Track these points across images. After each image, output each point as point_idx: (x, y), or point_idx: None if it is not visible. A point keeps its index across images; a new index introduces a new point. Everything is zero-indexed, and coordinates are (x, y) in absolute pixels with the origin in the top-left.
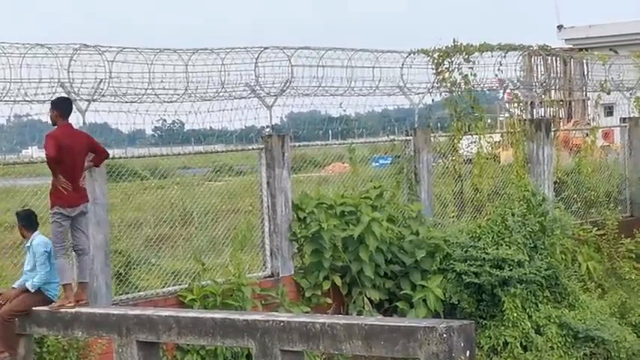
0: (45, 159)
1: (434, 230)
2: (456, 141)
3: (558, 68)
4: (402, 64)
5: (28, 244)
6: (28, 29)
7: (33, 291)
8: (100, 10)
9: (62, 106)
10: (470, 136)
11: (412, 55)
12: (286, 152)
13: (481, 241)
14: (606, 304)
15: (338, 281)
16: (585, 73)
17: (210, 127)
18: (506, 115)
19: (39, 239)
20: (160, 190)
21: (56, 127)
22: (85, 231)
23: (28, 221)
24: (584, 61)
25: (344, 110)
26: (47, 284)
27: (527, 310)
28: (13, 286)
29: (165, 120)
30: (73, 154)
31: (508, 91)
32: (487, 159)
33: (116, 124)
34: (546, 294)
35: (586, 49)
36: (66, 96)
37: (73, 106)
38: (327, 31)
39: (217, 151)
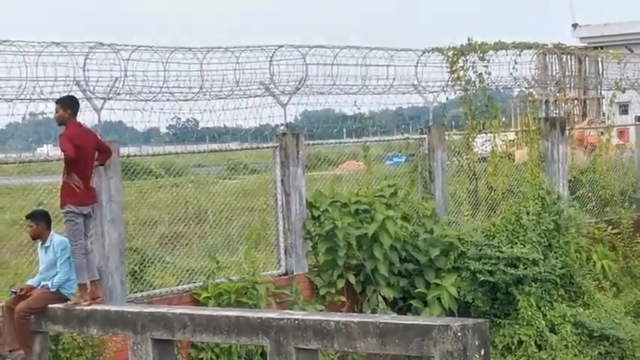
0: (60, 157)
1: (448, 229)
2: (470, 139)
3: (573, 67)
4: (417, 63)
5: (48, 244)
6: (39, 28)
7: (54, 290)
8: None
9: (72, 104)
10: (484, 135)
11: (427, 53)
12: (301, 150)
13: (495, 239)
14: (621, 303)
15: (352, 279)
16: (600, 71)
17: (225, 126)
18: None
19: (59, 238)
20: (174, 188)
21: (65, 126)
22: (88, 233)
23: (47, 221)
24: (599, 59)
25: (358, 108)
26: (65, 282)
27: (542, 308)
28: (28, 282)
29: (179, 118)
30: (86, 154)
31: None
32: (502, 157)
33: (131, 122)
34: (561, 293)
35: (601, 48)
36: (71, 94)
37: (88, 104)
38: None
39: (232, 150)
